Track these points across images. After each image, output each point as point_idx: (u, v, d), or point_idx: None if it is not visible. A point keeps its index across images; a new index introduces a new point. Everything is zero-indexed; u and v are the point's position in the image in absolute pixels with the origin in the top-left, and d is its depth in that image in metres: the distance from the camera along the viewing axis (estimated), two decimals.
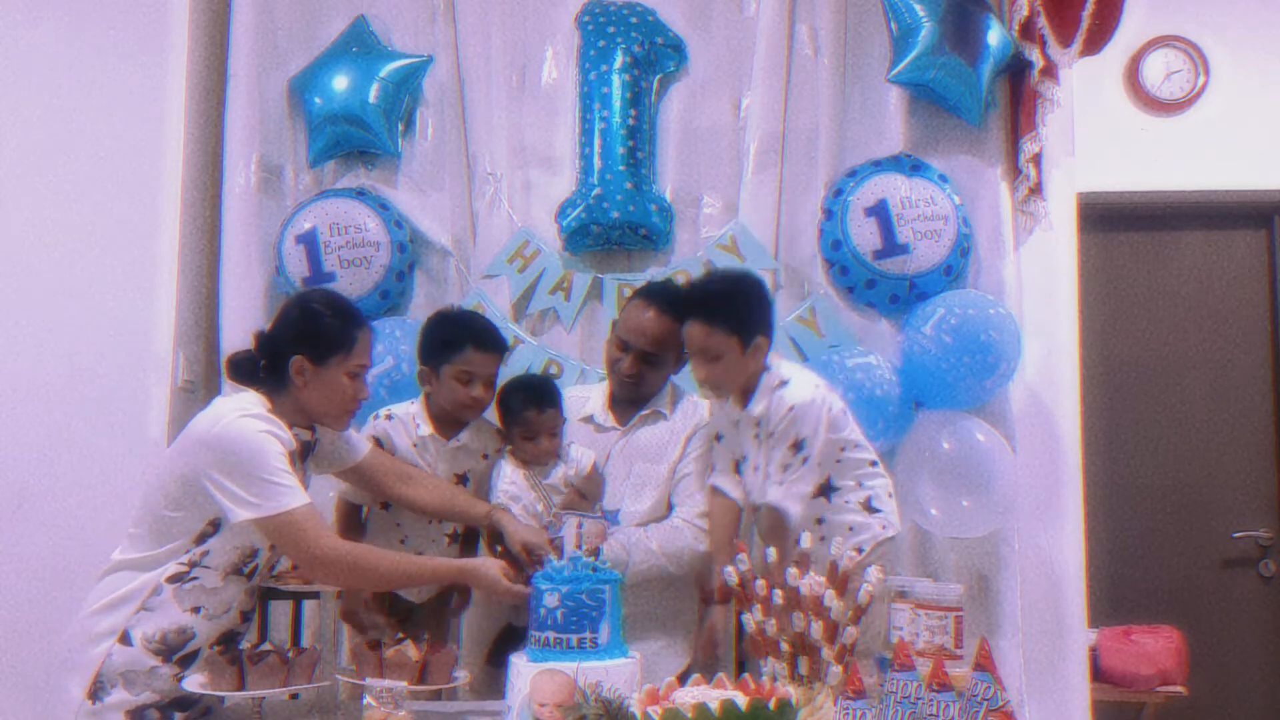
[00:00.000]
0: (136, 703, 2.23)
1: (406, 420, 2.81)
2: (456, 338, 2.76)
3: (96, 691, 2.22)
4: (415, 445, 2.79)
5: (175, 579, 2.27)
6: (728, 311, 2.61)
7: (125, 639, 2.24)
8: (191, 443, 2.27)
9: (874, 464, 2.75)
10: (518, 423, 2.79)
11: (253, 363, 2.39)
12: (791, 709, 1.81)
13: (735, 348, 2.60)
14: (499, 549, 2.68)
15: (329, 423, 2.44)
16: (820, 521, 2.65)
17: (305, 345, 2.34)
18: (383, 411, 2.83)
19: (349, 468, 2.61)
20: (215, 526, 2.27)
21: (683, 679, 1.94)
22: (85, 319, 3.35)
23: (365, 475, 2.64)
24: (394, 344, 3.23)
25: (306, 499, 2.27)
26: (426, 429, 2.81)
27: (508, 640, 2.87)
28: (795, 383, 2.62)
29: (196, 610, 2.28)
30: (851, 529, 2.65)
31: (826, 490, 2.71)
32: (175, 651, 2.26)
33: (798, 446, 2.58)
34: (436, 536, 2.86)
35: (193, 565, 2.27)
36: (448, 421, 2.82)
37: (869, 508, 2.71)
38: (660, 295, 2.86)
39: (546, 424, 2.78)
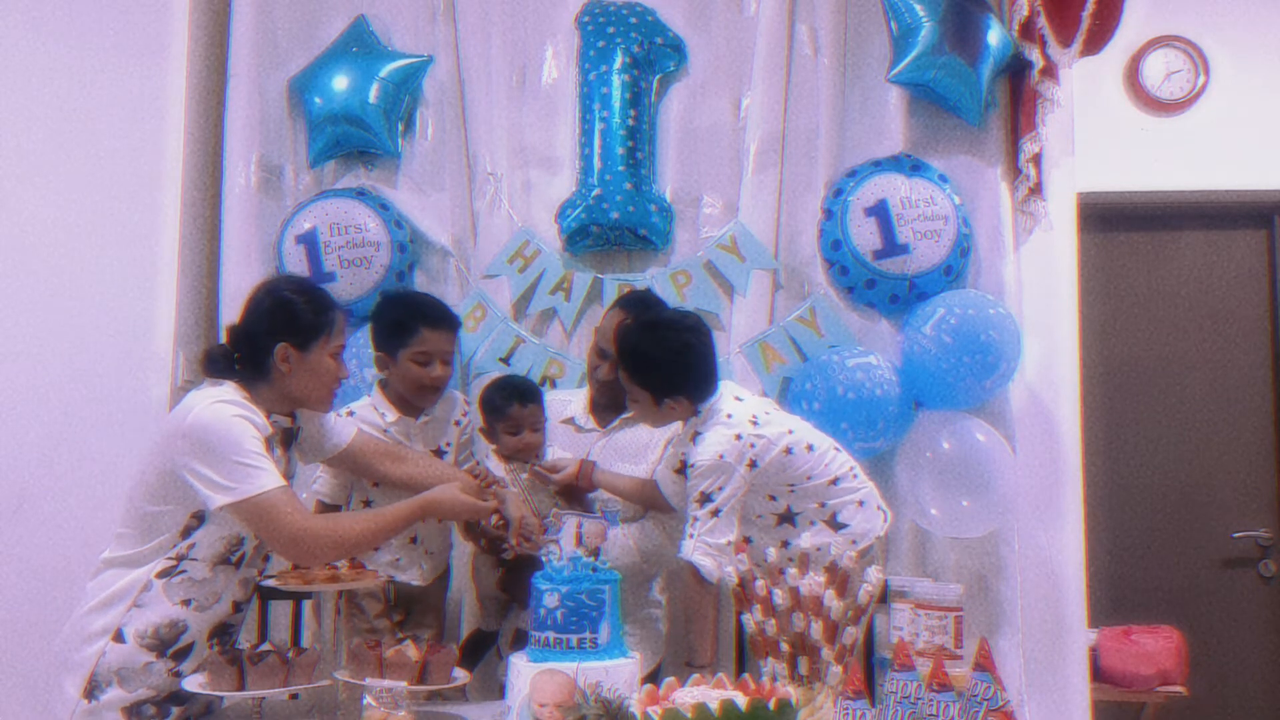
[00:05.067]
0: (132, 699, 2.24)
1: (369, 413, 2.84)
2: (409, 320, 2.79)
3: (92, 690, 2.23)
4: (385, 433, 2.82)
5: (164, 574, 2.28)
6: (644, 370, 2.62)
7: (119, 637, 2.25)
8: (168, 435, 2.28)
9: (836, 481, 2.71)
10: (502, 418, 2.85)
11: (228, 357, 2.40)
12: (791, 709, 1.81)
13: (649, 400, 2.63)
14: (491, 523, 2.72)
15: (314, 405, 2.46)
16: (786, 545, 2.64)
17: (287, 333, 2.35)
18: (343, 410, 2.84)
19: (338, 454, 2.61)
20: (199, 519, 2.29)
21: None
22: (85, 319, 3.35)
23: (355, 459, 2.65)
24: None
25: (282, 481, 2.27)
26: (392, 415, 2.85)
27: (477, 644, 2.92)
28: (706, 438, 2.59)
29: (187, 603, 2.29)
30: (819, 549, 2.60)
31: (788, 517, 2.72)
32: (169, 646, 2.27)
33: (704, 499, 2.57)
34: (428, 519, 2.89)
35: (180, 559, 2.28)
36: (410, 402, 2.86)
37: (833, 524, 2.70)
38: (638, 304, 2.92)
39: (529, 418, 2.85)
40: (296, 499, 2.33)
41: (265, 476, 2.23)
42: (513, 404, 2.84)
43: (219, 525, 2.29)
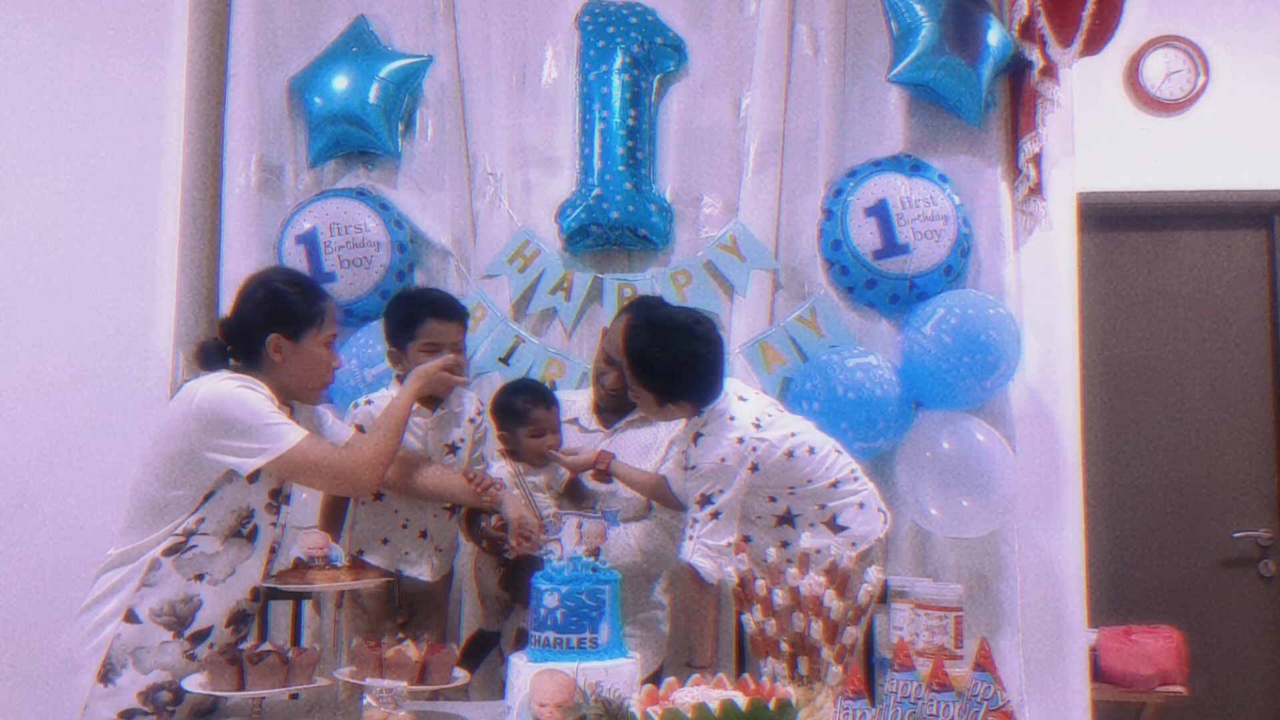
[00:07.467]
0: (148, 683, 2.24)
1: (386, 404, 2.83)
2: (416, 313, 2.81)
3: (107, 674, 2.23)
4: None
5: (172, 550, 2.28)
6: (649, 373, 2.61)
7: (131, 617, 2.25)
8: (177, 422, 2.28)
9: (837, 484, 2.70)
10: (527, 423, 2.85)
11: (222, 349, 2.41)
12: (791, 709, 1.81)
13: (651, 400, 2.64)
14: (490, 524, 2.74)
15: (307, 396, 2.47)
16: (785, 545, 2.63)
17: (280, 324, 2.37)
18: (361, 400, 2.87)
19: None
20: (208, 499, 2.29)
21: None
22: (85, 319, 3.35)
23: None
24: None
25: (305, 431, 2.32)
26: None
27: (480, 644, 2.91)
28: (708, 441, 2.59)
29: (200, 577, 2.29)
30: (818, 551, 2.55)
31: (788, 519, 2.71)
32: (186, 624, 2.27)
33: (704, 501, 2.57)
34: (438, 511, 2.88)
35: (189, 535, 2.29)
36: (426, 397, 2.85)
37: (833, 526, 2.69)
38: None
39: (552, 420, 2.88)
40: (324, 442, 2.41)
41: (290, 430, 2.29)
42: (538, 407, 2.86)
43: (227, 499, 2.31)
